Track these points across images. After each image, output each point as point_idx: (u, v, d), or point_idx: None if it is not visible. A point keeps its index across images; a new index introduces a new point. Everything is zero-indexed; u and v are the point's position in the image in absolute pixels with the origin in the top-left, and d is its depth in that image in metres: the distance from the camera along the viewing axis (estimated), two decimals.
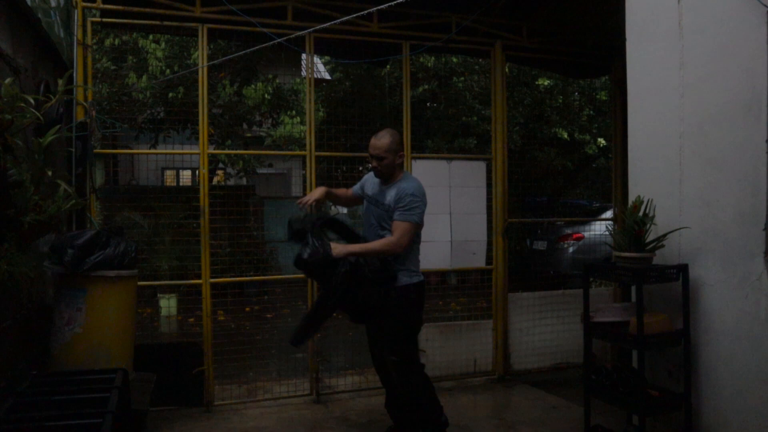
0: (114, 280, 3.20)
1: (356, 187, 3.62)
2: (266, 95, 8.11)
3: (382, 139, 3.27)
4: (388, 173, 3.32)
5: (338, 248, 3.08)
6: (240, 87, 8.33)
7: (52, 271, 3.25)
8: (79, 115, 3.87)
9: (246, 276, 5.36)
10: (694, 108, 3.04)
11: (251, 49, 4.51)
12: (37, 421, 2.01)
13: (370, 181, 3.49)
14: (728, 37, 2.85)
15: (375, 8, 4.37)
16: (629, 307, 3.24)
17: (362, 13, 4.25)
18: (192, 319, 5.58)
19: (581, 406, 3.44)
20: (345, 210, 7.40)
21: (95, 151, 3.99)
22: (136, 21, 4.13)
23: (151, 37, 7.49)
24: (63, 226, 3.66)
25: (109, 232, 3.27)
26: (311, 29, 4.33)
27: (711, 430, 2.97)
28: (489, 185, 4.90)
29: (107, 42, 7.22)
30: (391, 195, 3.27)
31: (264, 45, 4.23)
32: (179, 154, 5.10)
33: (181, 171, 9.39)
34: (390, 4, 4.04)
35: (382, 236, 3.26)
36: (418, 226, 3.23)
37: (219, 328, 4.52)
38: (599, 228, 6.92)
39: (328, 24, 4.07)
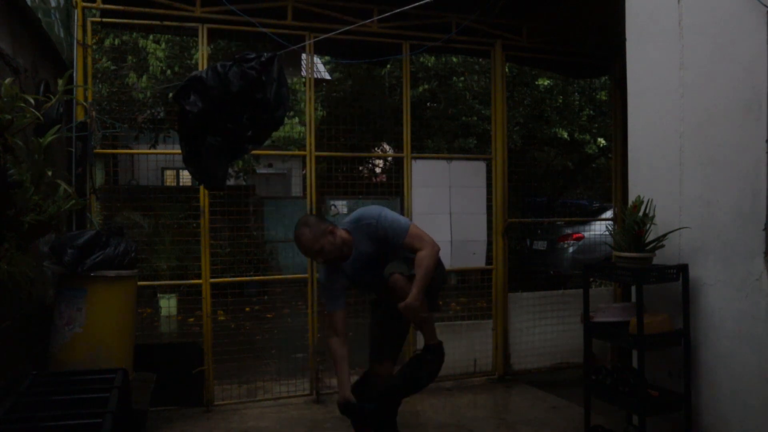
0: (114, 280, 3.20)
1: (336, 302, 3.05)
2: None
3: (302, 238, 2.86)
4: (339, 253, 2.91)
5: (414, 297, 2.78)
6: None
7: (52, 271, 3.25)
8: (79, 115, 3.87)
9: (246, 276, 5.36)
10: (694, 108, 3.04)
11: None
12: (37, 421, 2.01)
13: (339, 272, 3.03)
14: (728, 37, 2.84)
15: (377, 18, 4.38)
16: (629, 307, 3.24)
17: (365, 22, 4.26)
18: (192, 319, 5.58)
19: (581, 406, 3.44)
20: (345, 210, 7.41)
21: (95, 151, 4.00)
22: (136, 21, 4.13)
23: (151, 37, 7.49)
24: (63, 226, 3.66)
25: (109, 232, 3.27)
26: (315, 39, 4.33)
27: (711, 430, 2.97)
28: (489, 185, 4.90)
29: (107, 42, 7.21)
30: (365, 247, 2.93)
31: (289, 48, 4.20)
32: (179, 154, 5.09)
33: (181, 171, 9.39)
34: (392, 12, 4.05)
35: (391, 270, 2.90)
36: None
37: (219, 328, 4.53)
38: (599, 228, 6.92)
39: (332, 34, 4.06)
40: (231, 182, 9.86)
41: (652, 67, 3.29)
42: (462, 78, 9.40)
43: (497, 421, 3.96)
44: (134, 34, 7.44)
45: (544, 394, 4.49)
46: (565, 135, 9.42)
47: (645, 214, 3.07)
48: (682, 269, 3.04)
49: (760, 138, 2.69)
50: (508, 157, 4.93)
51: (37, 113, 2.31)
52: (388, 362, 3.18)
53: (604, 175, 10.54)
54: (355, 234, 2.95)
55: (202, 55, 4.18)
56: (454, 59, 8.95)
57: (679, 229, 3.08)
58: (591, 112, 9.80)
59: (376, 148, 9.47)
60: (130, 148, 7.31)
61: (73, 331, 3.09)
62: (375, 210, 2.95)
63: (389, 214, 2.94)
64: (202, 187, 4.14)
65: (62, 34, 3.89)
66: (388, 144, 9.35)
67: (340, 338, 3.03)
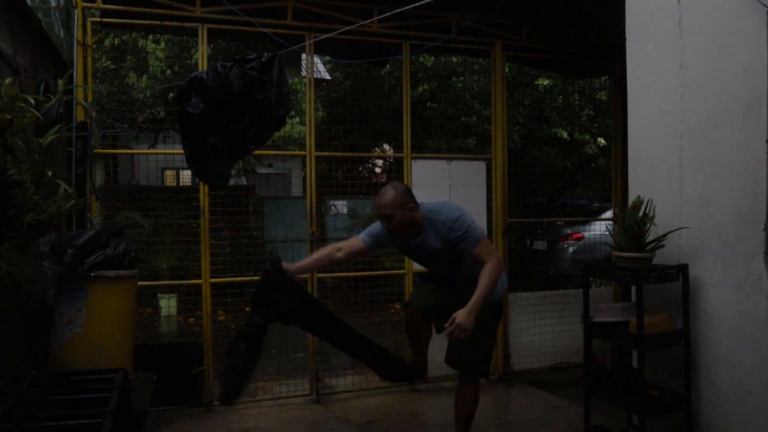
0: (114, 280, 3.20)
1: (366, 239, 3.04)
2: None
3: (384, 196, 2.85)
4: (404, 230, 2.90)
5: (463, 315, 2.72)
6: None
7: (52, 271, 3.25)
8: (79, 115, 3.87)
9: (246, 276, 5.35)
10: (694, 108, 3.04)
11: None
12: (37, 421, 2.01)
13: (396, 238, 3.00)
14: (728, 37, 2.84)
15: (377, 18, 4.39)
16: (629, 307, 3.24)
17: (365, 22, 4.26)
18: (192, 319, 5.57)
19: (581, 406, 3.44)
20: (345, 210, 7.40)
21: (95, 151, 4.00)
22: (136, 21, 4.14)
23: (151, 37, 7.49)
24: (63, 226, 3.65)
25: (109, 232, 3.27)
26: (315, 39, 4.33)
27: (711, 430, 2.97)
28: (489, 185, 4.90)
29: (107, 42, 7.21)
30: (432, 241, 2.91)
31: (289, 49, 4.20)
32: (179, 154, 5.09)
33: (181, 171, 9.38)
34: (392, 12, 4.05)
35: (456, 269, 2.94)
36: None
37: (219, 328, 4.52)
38: (599, 228, 6.91)
39: (332, 34, 4.06)
40: (231, 182, 9.86)
41: (652, 67, 3.29)
42: (462, 78, 9.40)
43: (497, 421, 3.96)
44: (134, 34, 7.43)
45: (544, 394, 4.49)
46: (565, 135, 9.41)
47: (645, 214, 3.07)
48: (682, 269, 3.04)
49: (760, 138, 2.69)
50: (508, 157, 4.93)
51: (37, 113, 2.31)
52: (427, 322, 3.15)
53: (604, 175, 10.53)
54: (426, 223, 2.92)
55: (202, 55, 4.18)
56: (454, 59, 8.94)
57: (679, 229, 3.08)
58: (591, 112, 9.79)
59: (376, 148, 9.47)
60: (130, 148, 7.31)
61: (73, 331, 3.09)
62: (455, 211, 2.92)
63: (467, 219, 2.90)
64: (202, 187, 4.14)
65: (62, 34, 3.89)
66: (388, 144, 9.35)
67: (335, 247, 3.06)
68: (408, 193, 2.90)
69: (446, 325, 2.75)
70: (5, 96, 2.18)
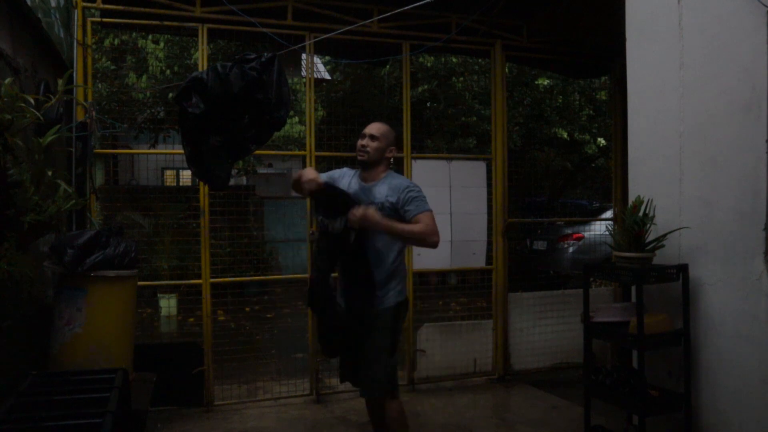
0: (114, 280, 3.19)
1: (324, 178, 3.08)
2: None
3: (382, 124, 3.03)
4: (374, 159, 2.97)
5: (370, 214, 2.73)
6: None
7: (52, 271, 3.25)
8: (79, 115, 3.87)
9: (246, 276, 5.36)
10: (694, 108, 3.04)
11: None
12: (37, 421, 2.01)
13: (345, 179, 3.08)
14: (728, 37, 2.84)
15: (377, 18, 4.38)
16: (629, 307, 3.24)
17: (365, 22, 4.26)
18: (192, 319, 5.58)
19: (581, 406, 3.44)
20: None
21: (95, 151, 4.00)
22: (136, 21, 4.14)
23: (150, 37, 7.49)
24: (63, 226, 3.65)
25: (109, 232, 3.27)
26: (315, 39, 4.33)
27: (711, 430, 2.97)
28: (489, 185, 4.90)
29: (107, 42, 7.21)
30: (381, 192, 2.93)
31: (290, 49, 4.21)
32: (179, 154, 5.09)
33: (181, 171, 9.38)
34: (392, 12, 4.06)
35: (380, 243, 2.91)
36: None
37: (219, 328, 4.54)
38: (599, 228, 6.92)
39: (332, 34, 4.06)
40: (231, 182, 9.86)
41: (652, 67, 3.29)
42: (461, 78, 9.40)
43: (497, 421, 3.96)
44: (134, 34, 7.44)
45: (544, 394, 4.49)
46: (565, 135, 9.42)
47: (645, 214, 3.07)
48: (682, 269, 3.04)
49: (760, 138, 2.69)
50: (508, 157, 4.94)
51: (37, 113, 2.31)
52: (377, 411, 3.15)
53: (604, 175, 10.54)
54: (385, 177, 3.00)
55: (202, 55, 4.18)
56: (454, 59, 8.95)
57: (679, 229, 3.08)
58: (591, 112, 9.80)
59: None
60: (130, 148, 7.31)
61: (73, 331, 3.09)
62: (417, 186, 2.96)
63: (423, 194, 2.94)
64: (202, 187, 4.15)
65: (62, 34, 3.89)
66: None
67: None
68: (397, 141, 3.12)
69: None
70: (5, 96, 2.18)
